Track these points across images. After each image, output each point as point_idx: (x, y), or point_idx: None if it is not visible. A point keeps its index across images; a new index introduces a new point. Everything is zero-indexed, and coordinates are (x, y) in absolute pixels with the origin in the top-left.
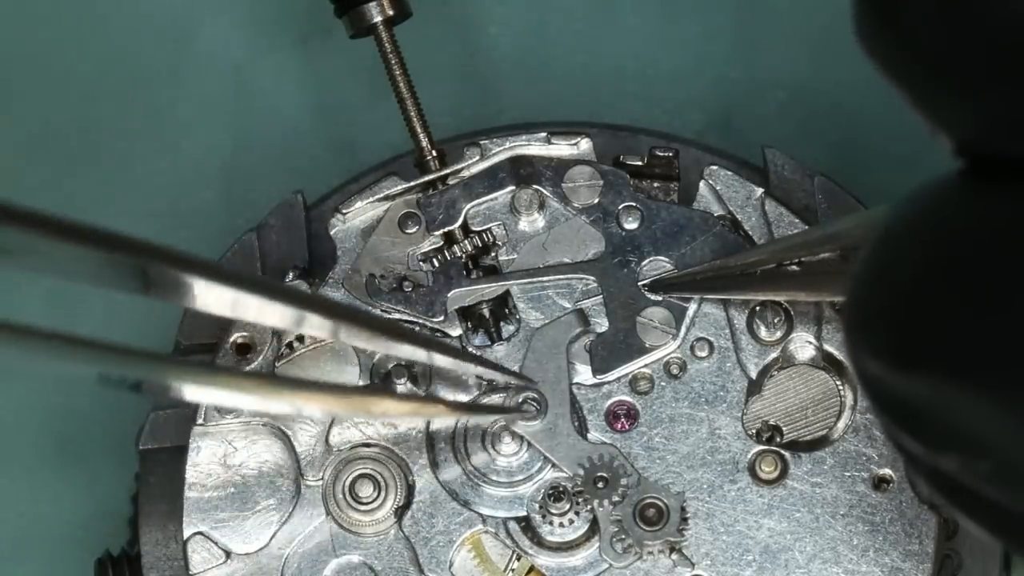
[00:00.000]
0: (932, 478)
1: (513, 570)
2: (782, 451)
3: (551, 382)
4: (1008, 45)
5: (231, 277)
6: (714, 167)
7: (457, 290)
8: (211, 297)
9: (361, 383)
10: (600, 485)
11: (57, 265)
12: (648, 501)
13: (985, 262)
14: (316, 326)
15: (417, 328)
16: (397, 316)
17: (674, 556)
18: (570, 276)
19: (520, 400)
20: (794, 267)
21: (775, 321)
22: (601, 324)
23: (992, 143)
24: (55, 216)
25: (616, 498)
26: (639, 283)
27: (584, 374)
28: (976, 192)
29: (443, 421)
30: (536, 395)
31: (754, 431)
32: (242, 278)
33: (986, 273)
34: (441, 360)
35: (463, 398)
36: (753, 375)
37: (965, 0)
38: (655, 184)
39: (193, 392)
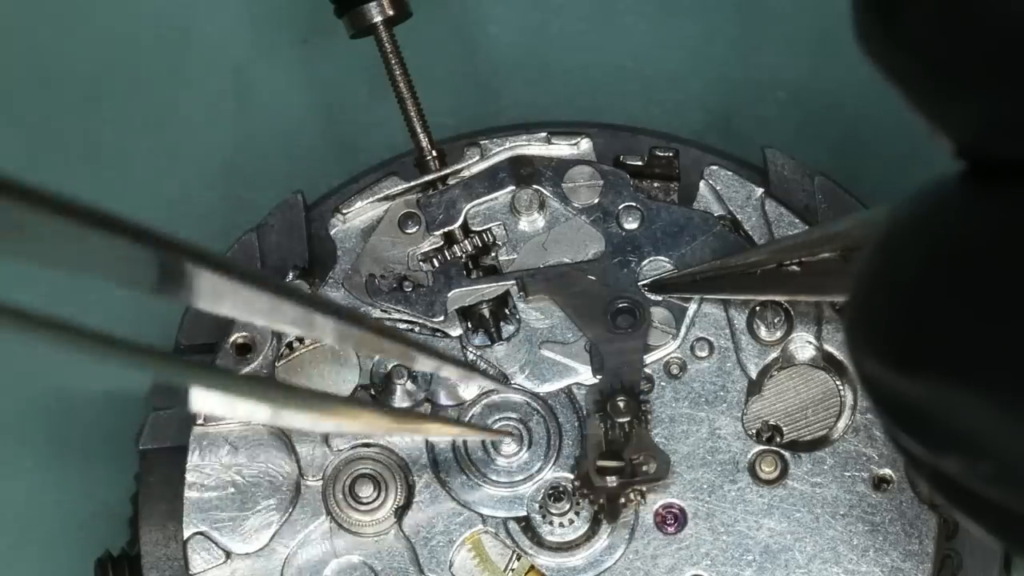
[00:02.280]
0: (933, 479)
1: (513, 570)
2: (782, 451)
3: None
4: (1008, 47)
5: (247, 275)
6: (714, 167)
7: (457, 290)
8: (223, 295)
9: (359, 384)
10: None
11: (64, 254)
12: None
13: (986, 264)
14: (325, 329)
15: (417, 330)
16: (397, 316)
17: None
18: None
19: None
20: (794, 267)
21: (775, 321)
22: None
23: (992, 145)
24: (68, 197)
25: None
26: (639, 283)
27: (584, 374)
28: (977, 194)
29: (435, 437)
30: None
31: (754, 431)
32: (257, 276)
33: (987, 275)
34: (447, 370)
35: (464, 398)
36: (753, 375)
37: (965, 1)
38: (655, 184)
39: (198, 396)
